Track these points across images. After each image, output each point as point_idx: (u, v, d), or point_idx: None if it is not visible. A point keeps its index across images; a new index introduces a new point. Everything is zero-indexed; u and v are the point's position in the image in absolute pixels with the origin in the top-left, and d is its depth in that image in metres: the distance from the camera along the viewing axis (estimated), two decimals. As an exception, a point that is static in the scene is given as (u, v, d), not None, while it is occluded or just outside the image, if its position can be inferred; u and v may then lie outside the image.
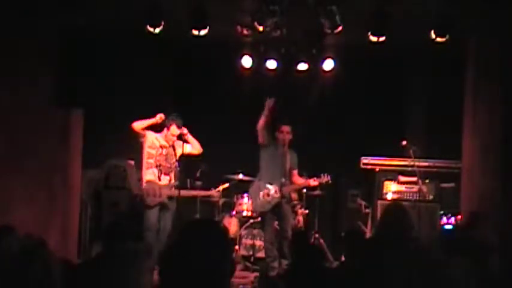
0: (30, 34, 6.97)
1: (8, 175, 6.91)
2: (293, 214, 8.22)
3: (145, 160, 7.46)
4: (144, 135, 7.42)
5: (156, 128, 7.56)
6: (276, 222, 7.82)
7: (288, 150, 7.72)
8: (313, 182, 7.85)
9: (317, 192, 8.62)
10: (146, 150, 7.46)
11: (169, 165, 7.51)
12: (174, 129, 7.46)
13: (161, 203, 7.40)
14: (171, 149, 7.54)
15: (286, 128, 7.69)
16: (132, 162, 8.29)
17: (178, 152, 7.56)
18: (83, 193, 7.86)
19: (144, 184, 7.43)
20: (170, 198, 7.46)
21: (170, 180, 7.52)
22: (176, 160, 7.56)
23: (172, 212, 7.51)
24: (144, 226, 7.35)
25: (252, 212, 8.56)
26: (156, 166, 7.44)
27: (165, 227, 7.43)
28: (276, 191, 7.61)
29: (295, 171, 7.84)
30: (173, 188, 7.49)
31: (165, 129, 7.50)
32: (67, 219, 7.18)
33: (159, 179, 7.44)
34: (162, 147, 7.50)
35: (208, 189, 8.47)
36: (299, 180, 7.86)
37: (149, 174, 7.44)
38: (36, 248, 3.18)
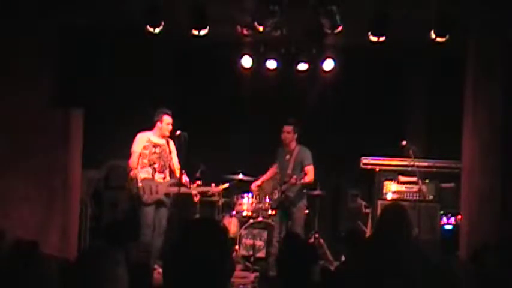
0: (30, 34, 6.97)
1: (8, 175, 6.91)
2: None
3: (140, 160, 7.45)
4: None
5: (149, 127, 7.56)
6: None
7: (295, 148, 7.82)
8: (292, 180, 7.76)
9: (317, 192, 8.62)
10: (141, 151, 7.45)
11: (163, 163, 7.50)
12: (167, 119, 7.46)
13: (158, 200, 7.41)
14: (165, 146, 7.51)
15: (287, 128, 7.78)
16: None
17: (172, 146, 7.55)
18: (83, 193, 7.85)
19: (139, 182, 7.41)
20: (167, 195, 7.46)
21: (164, 178, 7.51)
22: (171, 156, 7.54)
23: (167, 209, 7.52)
24: (141, 224, 7.35)
25: (253, 212, 8.58)
26: (150, 165, 7.43)
27: (160, 224, 7.42)
28: (279, 191, 7.72)
29: (308, 167, 7.80)
30: (170, 186, 7.48)
31: (158, 123, 7.49)
32: (67, 219, 7.18)
33: (153, 177, 7.44)
34: (156, 146, 7.48)
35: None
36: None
37: (144, 173, 7.42)
38: (28, 252, 3.18)
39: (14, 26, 6.94)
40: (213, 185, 8.01)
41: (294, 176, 7.67)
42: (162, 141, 7.52)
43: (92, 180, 8.27)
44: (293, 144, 7.86)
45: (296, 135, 7.85)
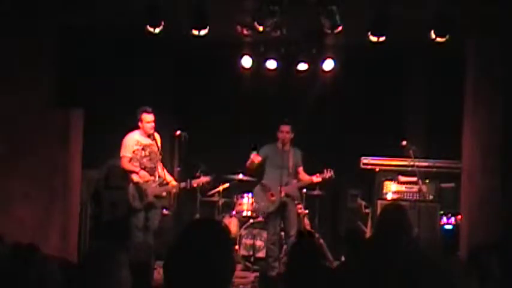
0: (30, 34, 6.97)
1: (8, 175, 6.91)
2: (298, 217, 8.21)
3: (131, 163, 7.43)
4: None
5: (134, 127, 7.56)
6: (280, 223, 7.88)
7: (290, 148, 7.81)
8: (317, 179, 7.91)
9: (317, 192, 8.61)
10: (131, 156, 7.44)
11: (153, 165, 7.48)
12: (146, 117, 7.39)
13: (147, 204, 7.40)
14: (153, 145, 7.48)
15: (285, 128, 7.77)
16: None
17: (158, 141, 7.55)
18: (83, 193, 7.85)
19: (130, 187, 7.41)
20: (156, 196, 7.46)
21: (154, 180, 7.52)
22: (160, 153, 7.53)
23: (159, 210, 7.57)
24: (131, 227, 7.35)
25: (253, 212, 8.57)
26: (142, 169, 7.40)
27: (152, 224, 7.43)
28: (280, 191, 7.66)
29: (301, 168, 7.92)
30: (158, 186, 7.49)
31: (139, 123, 7.45)
32: (67, 219, 7.18)
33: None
34: (145, 148, 7.45)
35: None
36: (305, 177, 7.91)
37: (134, 177, 7.42)
38: (28, 254, 3.17)
39: (14, 26, 6.94)
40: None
41: (329, 169, 7.86)
42: (149, 141, 7.48)
43: (92, 180, 8.26)
44: (288, 145, 7.85)
45: (292, 135, 7.85)
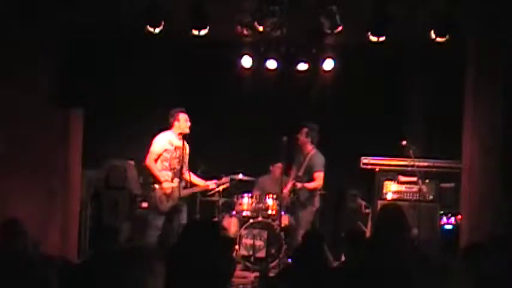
0: (30, 34, 6.97)
1: (8, 175, 6.91)
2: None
3: (160, 162, 7.44)
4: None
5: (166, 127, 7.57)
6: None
7: (310, 152, 8.03)
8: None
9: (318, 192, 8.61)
10: (162, 153, 7.45)
11: (180, 167, 7.50)
12: (184, 116, 7.47)
13: (173, 207, 7.47)
14: (183, 149, 7.49)
15: (300, 131, 7.98)
16: (132, 162, 8.30)
17: (186, 146, 7.57)
18: (83, 193, 7.86)
19: (157, 189, 7.42)
20: (181, 199, 7.51)
21: (179, 182, 7.55)
22: (188, 157, 7.59)
23: (183, 212, 7.57)
24: (148, 225, 7.40)
25: (253, 212, 8.57)
26: (171, 169, 7.45)
27: (177, 226, 7.46)
28: (290, 191, 7.80)
29: (316, 174, 8.01)
30: (183, 189, 7.55)
31: (175, 122, 7.48)
32: (67, 219, 7.18)
33: (172, 181, 7.48)
34: (176, 149, 7.47)
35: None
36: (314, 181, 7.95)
37: (163, 177, 7.42)
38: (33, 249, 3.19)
39: (14, 25, 6.93)
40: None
41: (296, 183, 7.97)
42: (180, 143, 7.50)
43: (92, 180, 8.27)
44: (307, 148, 7.92)
45: (310, 139, 7.90)
